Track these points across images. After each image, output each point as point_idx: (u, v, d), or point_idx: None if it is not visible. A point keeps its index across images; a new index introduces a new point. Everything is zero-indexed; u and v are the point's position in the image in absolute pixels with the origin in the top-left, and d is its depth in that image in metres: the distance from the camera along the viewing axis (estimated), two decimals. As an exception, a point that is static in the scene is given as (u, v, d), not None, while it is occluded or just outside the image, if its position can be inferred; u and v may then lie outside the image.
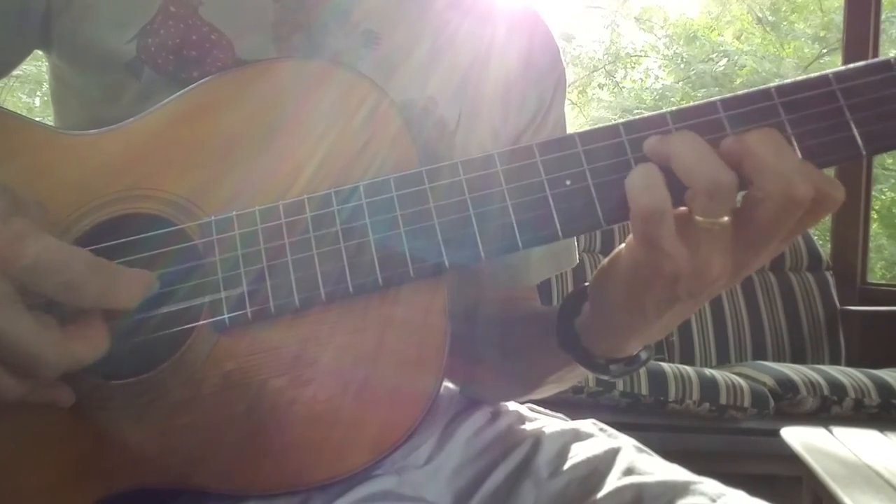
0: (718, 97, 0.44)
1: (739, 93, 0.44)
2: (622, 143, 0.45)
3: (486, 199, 0.45)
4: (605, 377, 0.51)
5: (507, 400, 0.68)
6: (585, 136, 0.45)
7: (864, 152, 0.43)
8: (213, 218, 0.46)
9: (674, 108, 0.45)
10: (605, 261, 0.46)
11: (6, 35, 0.57)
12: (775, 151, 0.40)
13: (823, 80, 0.44)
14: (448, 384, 0.68)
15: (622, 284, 0.44)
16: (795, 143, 0.43)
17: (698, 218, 0.40)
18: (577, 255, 0.70)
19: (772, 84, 0.44)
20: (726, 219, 0.40)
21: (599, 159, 0.45)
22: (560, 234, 0.45)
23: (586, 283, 0.51)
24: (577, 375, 0.57)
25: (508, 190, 0.45)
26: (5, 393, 0.38)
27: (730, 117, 0.44)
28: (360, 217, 0.46)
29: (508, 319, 0.65)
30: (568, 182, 0.45)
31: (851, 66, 0.44)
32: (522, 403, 0.70)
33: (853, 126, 0.43)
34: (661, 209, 0.40)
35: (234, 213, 0.46)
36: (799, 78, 0.44)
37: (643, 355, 0.50)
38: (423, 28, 0.61)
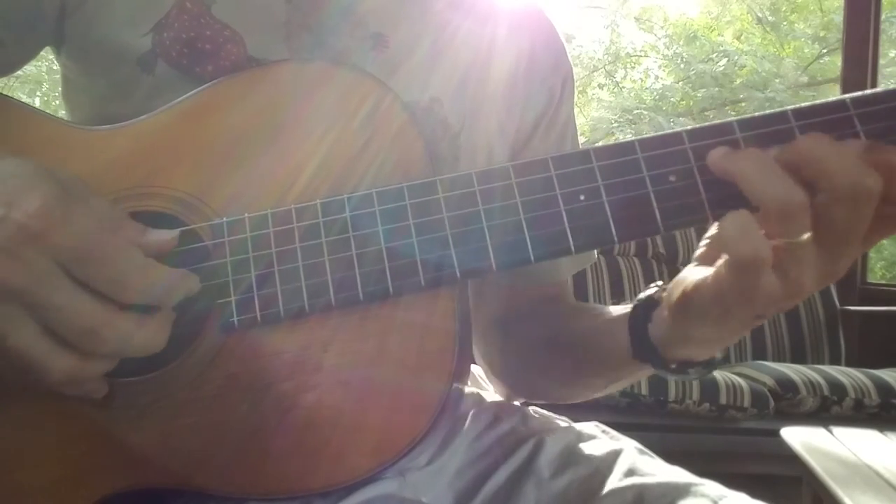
0: (735, 118, 0.44)
1: (757, 114, 0.44)
2: (637, 161, 0.45)
3: (499, 211, 0.45)
4: (683, 378, 0.51)
5: (569, 401, 0.67)
6: (601, 152, 0.46)
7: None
8: (224, 219, 0.47)
9: (690, 127, 0.45)
10: (689, 285, 0.45)
11: (20, 32, 0.58)
12: (832, 149, 0.39)
13: (840, 105, 0.43)
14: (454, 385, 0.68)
15: (706, 314, 0.44)
16: None
17: (778, 242, 0.39)
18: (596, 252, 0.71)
19: (789, 107, 0.44)
20: (807, 235, 0.39)
21: (614, 175, 0.45)
22: (572, 249, 0.45)
23: (653, 290, 0.51)
24: (641, 376, 0.57)
25: (522, 203, 0.45)
26: (54, 373, 0.38)
27: (746, 138, 0.44)
28: (372, 224, 0.46)
29: (556, 314, 0.65)
30: (582, 197, 0.45)
31: (869, 91, 0.43)
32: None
33: None
34: (762, 257, 0.39)
35: (246, 215, 0.46)
36: (816, 102, 0.44)
37: (719, 356, 0.50)
38: (424, 27, 0.61)
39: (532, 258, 0.45)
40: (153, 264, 0.41)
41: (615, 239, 0.44)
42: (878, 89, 0.44)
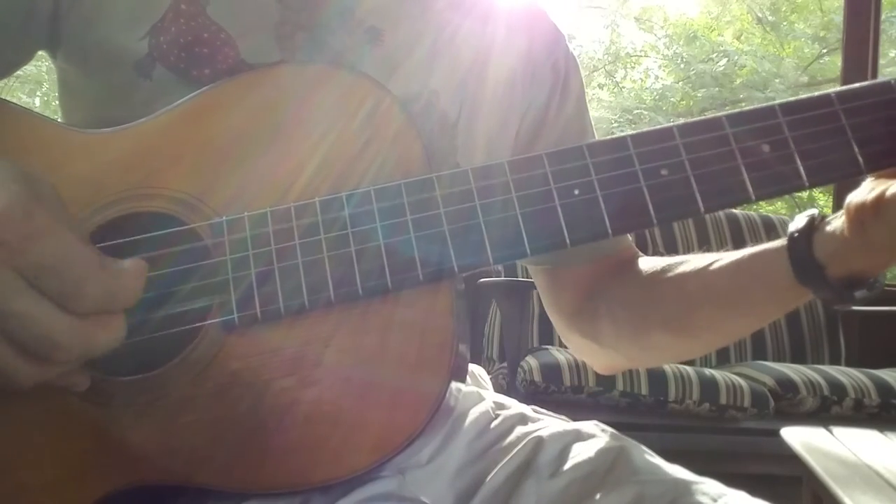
0: (724, 113, 0.46)
1: (745, 109, 0.46)
2: (630, 156, 0.46)
3: (495, 206, 0.46)
4: (846, 306, 0.51)
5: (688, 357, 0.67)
6: (594, 148, 0.47)
7: (864, 171, 0.45)
8: (224, 218, 0.47)
9: (681, 122, 0.46)
10: (888, 192, 0.45)
11: (12, 34, 0.58)
12: None
13: (826, 100, 0.45)
14: (452, 383, 0.68)
15: None
16: (798, 161, 0.44)
17: None
18: None
19: (776, 101, 0.45)
20: None
21: (608, 170, 0.46)
22: (568, 242, 0.46)
23: (805, 219, 0.51)
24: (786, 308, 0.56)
25: (518, 198, 0.46)
26: (21, 378, 0.38)
27: (736, 133, 0.45)
28: (370, 221, 0.46)
29: (652, 271, 0.65)
30: (577, 192, 0.46)
31: (853, 86, 0.45)
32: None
33: (855, 145, 0.44)
34: None
35: (245, 213, 0.47)
36: (802, 96, 0.46)
37: (881, 278, 0.50)
38: (424, 26, 0.62)
39: (529, 252, 0.46)
40: (108, 272, 0.39)
41: (609, 232, 0.45)
42: (862, 84, 0.45)
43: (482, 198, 0.46)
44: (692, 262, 0.60)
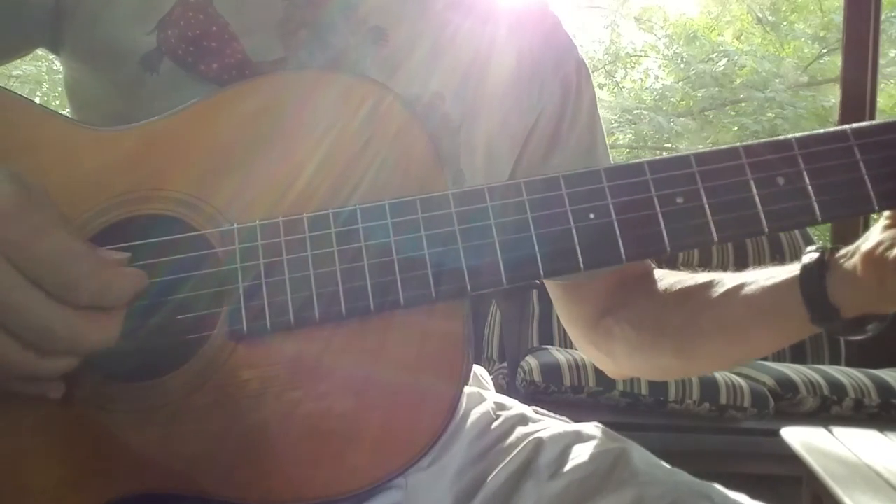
0: (742, 143, 0.46)
1: (761, 141, 0.47)
2: (646, 182, 0.46)
3: (510, 226, 0.46)
4: (859, 336, 0.52)
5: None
6: (610, 172, 0.47)
7: (876, 208, 0.45)
8: (235, 226, 0.47)
9: (697, 150, 0.47)
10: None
11: (4, 29, 0.58)
12: None
13: (841, 135, 0.45)
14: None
15: None
16: (812, 195, 0.45)
17: None
18: None
19: (793, 135, 0.46)
20: None
21: (624, 195, 0.46)
22: (581, 266, 0.46)
23: (814, 255, 0.51)
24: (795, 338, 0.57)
25: (533, 219, 0.46)
26: (14, 366, 0.39)
27: (752, 164, 0.45)
28: (384, 235, 0.46)
29: (660, 290, 0.66)
30: (592, 216, 0.46)
31: (869, 123, 0.46)
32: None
33: (868, 182, 0.45)
34: None
35: (257, 222, 0.46)
36: (819, 131, 0.46)
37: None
38: (425, 26, 0.62)
39: (542, 273, 0.46)
40: (105, 268, 0.40)
41: (623, 258, 0.45)
42: (879, 121, 0.46)
43: (497, 217, 0.46)
44: (705, 291, 0.61)
